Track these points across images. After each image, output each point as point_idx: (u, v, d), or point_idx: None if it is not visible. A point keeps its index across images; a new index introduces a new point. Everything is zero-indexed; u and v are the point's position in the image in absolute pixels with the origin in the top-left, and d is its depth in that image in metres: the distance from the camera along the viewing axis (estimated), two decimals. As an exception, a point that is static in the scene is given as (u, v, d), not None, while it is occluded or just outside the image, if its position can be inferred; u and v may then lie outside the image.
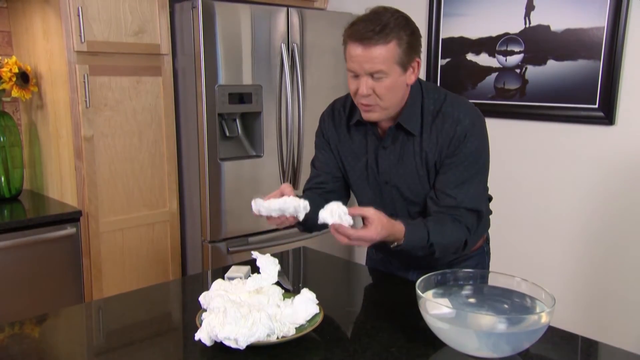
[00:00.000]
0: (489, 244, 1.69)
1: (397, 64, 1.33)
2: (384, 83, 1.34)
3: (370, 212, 1.28)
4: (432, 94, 1.46)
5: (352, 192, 1.64)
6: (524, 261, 2.55)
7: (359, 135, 1.53)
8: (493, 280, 1.27)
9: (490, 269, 1.65)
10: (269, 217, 1.38)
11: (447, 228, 1.40)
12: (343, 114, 1.56)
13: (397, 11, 1.36)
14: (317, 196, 1.54)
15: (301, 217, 1.35)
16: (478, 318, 1.11)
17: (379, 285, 1.64)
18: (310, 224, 1.43)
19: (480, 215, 1.46)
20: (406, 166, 1.46)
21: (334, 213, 1.27)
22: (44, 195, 2.61)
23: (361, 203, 1.59)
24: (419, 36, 1.38)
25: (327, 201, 1.35)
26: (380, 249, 1.68)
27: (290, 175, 2.82)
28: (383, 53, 1.31)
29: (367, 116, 1.42)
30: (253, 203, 1.35)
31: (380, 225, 1.28)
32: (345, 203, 1.54)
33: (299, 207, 1.33)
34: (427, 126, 1.43)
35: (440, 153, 1.42)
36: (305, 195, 1.54)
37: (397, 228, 1.33)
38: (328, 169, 1.59)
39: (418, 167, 1.45)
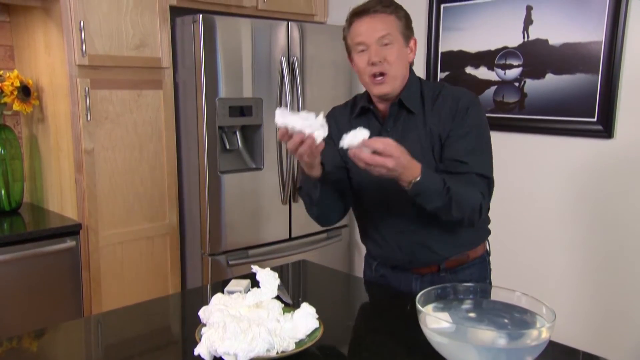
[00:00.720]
0: (490, 255, 1.70)
1: (400, 34, 1.47)
2: (392, 50, 1.45)
3: (389, 141, 1.29)
4: (430, 84, 1.58)
5: (352, 182, 1.64)
6: (525, 273, 2.55)
7: (360, 125, 1.54)
8: (493, 294, 1.26)
9: (492, 282, 1.65)
10: (287, 138, 1.34)
11: (462, 184, 1.43)
12: (345, 113, 1.64)
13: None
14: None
15: (317, 138, 1.31)
16: (478, 333, 1.11)
17: (378, 299, 1.63)
18: (322, 200, 1.52)
19: (490, 183, 1.50)
20: (409, 143, 1.46)
21: (355, 138, 1.28)
22: (44, 208, 2.61)
23: (363, 189, 1.60)
24: (411, 21, 1.52)
25: (335, 188, 1.53)
26: (383, 264, 1.68)
27: (290, 187, 2.82)
28: (390, 20, 1.45)
29: (379, 89, 1.48)
30: (278, 111, 1.32)
31: (400, 149, 1.29)
32: (347, 193, 1.62)
33: (321, 123, 1.31)
34: (428, 106, 1.51)
35: (445, 127, 1.47)
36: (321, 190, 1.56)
37: (414, 163, 1.35)
38: (331, 159, 1.61)
39: (422, 140, 1.49)
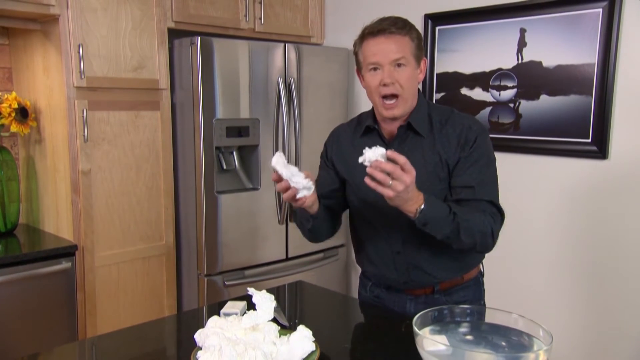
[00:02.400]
0: (483, 276, 1.70)
1: (413, 56, 1.47)
2: (405, 72, 1.45)
3: (403, 158, 1.30)
4: (438, 108, 1.59)
5: (352, 204, 1.64)
6: (519, 293, 2.54)
7: (364, 144, 1.55)
8: (490, 316, 1.26)
9: (488, 304, 1.65)
10: (278, 181, 1.41)
11: (470, 210, 1.44)
12: (349, 131, 1.65)
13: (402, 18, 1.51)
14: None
15: (299, 195, 1.40)
16: (475, 356, 1.10)
17: (375, 320, 1.62)
18: (314, 229, 1.57)
19: (500, 212, 1.50)
20: (413, 165, 1.45)
21: (375, 153, 1.31)
22: (39, 230, 2.60)
23: (361, 209, 1.61)
24: (422, 41, 1.54)
25: (327, 210, 1.56)
26: (377, 285, 1.68)
27: (287, 208, 2.82)
28: (404, 42, 1.45)
29: (390, 112, 1.49)
30: (277, 154, 1.39)
31: (413, 176, 1.30)
32: (340, 214, 1.66)
33: (305, 185, 1.39)
34: (436, 130, 1.52)
35: (453, 154, 1.48)
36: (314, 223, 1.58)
37: (418, 192, 1.35)
38: (327, 183, 1.64)
39: (427, 164, 1.49)
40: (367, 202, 1.58)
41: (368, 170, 1.31)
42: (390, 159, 1.29)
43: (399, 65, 1.45)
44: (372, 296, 1.70)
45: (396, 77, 1.45)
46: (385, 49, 1.44)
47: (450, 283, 1.59)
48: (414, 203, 1.34)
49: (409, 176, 1.29)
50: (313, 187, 1.41)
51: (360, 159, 1.32)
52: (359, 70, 1.55)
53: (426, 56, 2.77)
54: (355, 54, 1.54)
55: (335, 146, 1.68)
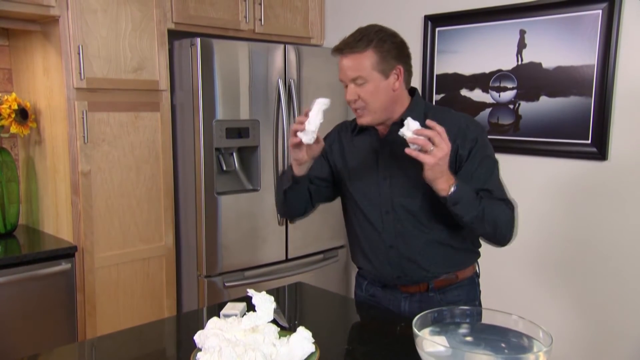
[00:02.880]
0: (479, 276, 1.70)
1: (375, 70, 1.47)
2: (366, 88, 1.48)
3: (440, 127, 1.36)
4: (434, 108, 1.65)
5: (346, 198, 1.68)
6: (518, 295, 2.54)
7: (361, 141, 1.65)
8: (490, 318, 1.26)
9: (484, 304, 1.65)
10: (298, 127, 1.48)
11: (491, 201, 1.46)
12: (349, 127, 1.71)
13: (383, 28, 1.50)
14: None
15: (302, 136, 1.45)
16: (475, 357, 1.10)
17: (375, 322, 1.62)
18: (290, 195, 1.62)
19: (514, 208, 1.53)
20: (408, 162, 1.47)
21: (415, 123, 1.37)
22: (39, 231, 2.60)
23: (356, 203, 1.64)
24: (403, 47, 1.52)
25: (303, 192, 1.61)
26: (373, 282, 1.68)
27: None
28: (361, 59, 1.46)
29: (360, 121, 1.55)
30: (324, 100, 1.48)
31: (449, 146, 1.36)
32: (315, 203, 1.70)
33: (314, 132, 1.46)
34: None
35: (451, 152, 1.46)
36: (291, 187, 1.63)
37: (450, 173, 1.40)
38: (315, 169, 1.66)
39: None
40: (361, 196, 1.61)
41: (409, 139, 1.36)
42: (429, 127, 1.35)
43: (359, 84, 1.48)
44: (367, 295, 1.71)
45: (358, 93, 1.49)
46: (344, 67, 1.49)
47: (445, 281, 1.60)
48: (447, 179, 1.38)
49: (446, 144, 1.35)
50: (314, 139, 1.46)
51: (401, 131, 1.38)
52: None
53: (425, 57, 2.77)
54: None
55: (336, 138, 1.72)
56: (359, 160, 1.63)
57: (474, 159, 1.49)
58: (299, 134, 1.46)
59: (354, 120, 1.68)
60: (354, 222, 1.67)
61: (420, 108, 1.56)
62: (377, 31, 1.48)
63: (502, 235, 1.50)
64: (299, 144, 1.48)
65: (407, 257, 1.57)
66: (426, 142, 1.34)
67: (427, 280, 1.59)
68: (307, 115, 1.46)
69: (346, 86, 1.52)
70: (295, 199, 1.65)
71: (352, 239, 1.72)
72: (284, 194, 1.63)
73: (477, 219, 1.43)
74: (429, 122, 1.36)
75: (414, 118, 1.52)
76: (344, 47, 1.47)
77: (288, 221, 2.85)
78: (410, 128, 1.37)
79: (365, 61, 1.46)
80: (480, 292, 1.69)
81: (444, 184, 1.38)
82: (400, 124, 1.52)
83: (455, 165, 1.48)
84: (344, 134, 1.71)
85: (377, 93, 1.49)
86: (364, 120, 1.53)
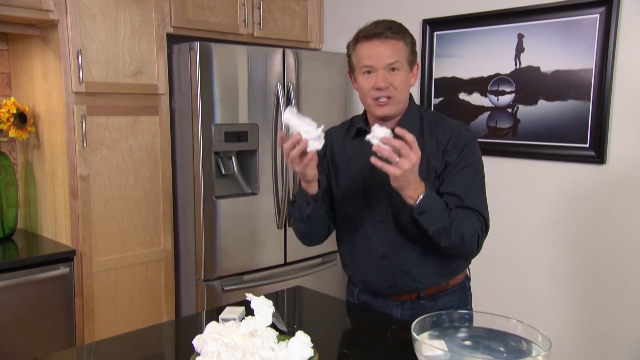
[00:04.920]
0: (470, 280, 1.70)
1: (406, 60, 1.47)
2: (399, 75, 1.46)
3: (411, 136, 1.31)
4: (429, 112, 1.62)
5: (337, 206, 1.63)
6: (516, 299, 2.54)
7: (354, 147, 1.60)
8: (489, 322, 1.26)
9: (482, 308, 1.64)
10: (281, 141, 1.40)
11: (461, 211, 1.43)
12: (340, 134, 1.66)
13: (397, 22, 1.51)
14: None
15: (309, 147, 1.35)
16: (474, 362, 1.10)
17: (374, 326, 1.62)
18: (313, 216, 1.53)
19: (487, 222, 1.49)
20: None
21: (383, 130, 1.31)
22: (37, 235, 2.60)
23: (347, 213, 1.60)
24: (416, 46, 1.53)
25: (325, 209, 1.55)
26: (364, 291, 1.67)
27: (285, 213, 2.82)
28: (399, 46, 1.46)
29: (382, 110, 1.48)
30: (288, 109, 1.38)
31: (419, 156, 1.31)
32: (332, 218, 1.63)
33: (318, 134, 1.35)
34: (427, 134, 1.52)
35: (442, 159, 1.47)
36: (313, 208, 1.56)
37: (420, 180, 1.36)
38: (322, 184, 1.60)
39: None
40: (354, 204, 1.58)
41: (375, 147, 1.30)
42: (398, 137, 1.30)
43: (393, 69, 1.45)
44: (359, 303, 1.70)
45: (390, 81, 1.45)
46: (380, 53, 1.44)
47: (436, 289, 1.59)
48: (416, 188, 1.35)
49: (415, 154, 1.30)
50: (324, 141, 1.37)
51: (368, 137, 1.33)
52: (352, 72, 1.55)
53: (424, 61, 2.78)
54: (349, 55, 1.54)
55: (327, 146, 1.65)
56: (352, 167, 1.59)
57: (457, 164, 1.48)
58: (308, 149, 1.36)
59: (350, 122, 1.66)
60: (345, 231, 1.65)
61: (415, 112, 1.56)
62: (399, 24, 1.49)
63: (468, 249, 1.47)
64: (306, 160, 1.39)
65: (400, 268, 1.55)
66: (391, 153, 1.29)
67: (419, 290, 1.58)
68: (286, 138, 1.37)
69: (367, 72, 1.46)
70: (318, 221, 1.58)
71: (343, 248, 1.69)
72: (307, 220, 1.55)
73: (443, 230, 1.40)
74: (398, 130, 1.30)
75: (410, 121, 1.53)
76: (384, 32, 1.44)
77: (288, 226, 2.85)
78: (376, 135, 1.30)
79: (402, 49, 1.46)
80: (471, 295, 1.69)
81: (412, 192, 1.35)
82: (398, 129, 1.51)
83: (442, 169, 1.48)
84: (335, 140, 1.66)
85: (405, 83, 1.48)
86: (389, 109, 1.48)
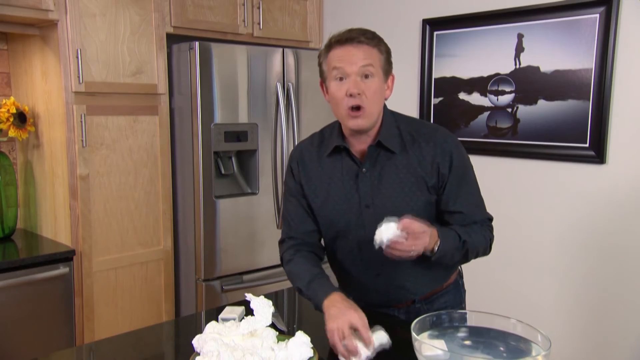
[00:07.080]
0: (462, 278, 1.69)
1: (381, 68, 1.40)
2: (373, 83, 1.38)
3: (416, 224, 1.27)
4: (403, 118, 1.52)
5: (323, 227, 1.55)
6: (516, 299, 2.54)
7: (332, 164, 1.50)
8: (489, 321, 1.26)
9: (484, 308, 1.64)
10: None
11: (472, 232, 1.45)
12: (312, 151, 1.54)
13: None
14: (311, 255, 1.54)
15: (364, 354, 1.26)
16: (474, 361, 1.10)
17: (372, 325, 1.62)
18: None
19: (490, 220, 1.52)
20: (389, 185, 1.44)
21: (388, 231, 1.27)
22: (37, 235, 2.59)
23: (337, 237, 1.53)
24: (391, 56, 1.45)
25: (316, 255, 1.52)
26: (357, 301, 1.65)
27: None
28: (373, 53, 1.38)
29: (355, 122, 1.40)
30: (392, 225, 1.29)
31: (429, 232, 1.30)
32: (323, 255, 1.59)
33: (369, 356, 1.27)
34: (409, 145, 1.45)
35: (431, 173, 1.44)
36: (297, 256, 1.51)
37: (432, 231, 1.33)
38: (302, 221, 1.55)
39: (403, 182, 1.44)
40: (342, 225, 1.51)
41: (386, 252, 1.28)
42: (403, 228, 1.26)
43: (366, 76, 1.36)
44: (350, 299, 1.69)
45: (362, 89, 1.36)
46: (353, 56, 1.36)
47: (430, 293, 1.58)
48: (431, 241, 1.34)
49: (425, 236, 1.28)
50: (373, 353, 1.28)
51: (376, 242, 1.27)
52: (323, 82, 1.45)
53: (424, 61, 2.78)
54: (320, 64, 1.44)
55: (301, 168, 1.54)
56: (334, 187, 1.49)
57: (454, 179, 1.45)
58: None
59: (320, 137, 1.55)
60: (335, 248, 1.56)
61: (391, 122, 1.48)
62: (374, 33, 1.42)
63: (481, 256, 1.51)
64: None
65: (396, 284, 1.53)
66: (404, 253, 1.27)
67: (414, 298, 1.57)
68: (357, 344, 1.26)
69: (340, 79, 1.38)
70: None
71: (336, 270, 1.64)
72: (299, 291, 1.49)
73: (461, 261, 1.48)
74: (405, 222, 1.25)
75: (389, 135, 1.44)
76: (358, 36, 1.36)
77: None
78: (384, 238, 1.27)
79: (377, 55, 1.38)
80: (465, 291, 1.69)
81: (429, 246, 1.34)
82: (378, 143, 1.43)
83: (439, 183, 1.45)
84: (308, 159, 1.54)
85: (378, 93, 1.40)
86: (361, 122, 1.39)
